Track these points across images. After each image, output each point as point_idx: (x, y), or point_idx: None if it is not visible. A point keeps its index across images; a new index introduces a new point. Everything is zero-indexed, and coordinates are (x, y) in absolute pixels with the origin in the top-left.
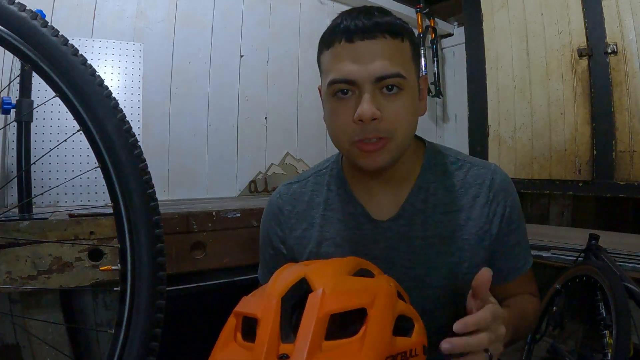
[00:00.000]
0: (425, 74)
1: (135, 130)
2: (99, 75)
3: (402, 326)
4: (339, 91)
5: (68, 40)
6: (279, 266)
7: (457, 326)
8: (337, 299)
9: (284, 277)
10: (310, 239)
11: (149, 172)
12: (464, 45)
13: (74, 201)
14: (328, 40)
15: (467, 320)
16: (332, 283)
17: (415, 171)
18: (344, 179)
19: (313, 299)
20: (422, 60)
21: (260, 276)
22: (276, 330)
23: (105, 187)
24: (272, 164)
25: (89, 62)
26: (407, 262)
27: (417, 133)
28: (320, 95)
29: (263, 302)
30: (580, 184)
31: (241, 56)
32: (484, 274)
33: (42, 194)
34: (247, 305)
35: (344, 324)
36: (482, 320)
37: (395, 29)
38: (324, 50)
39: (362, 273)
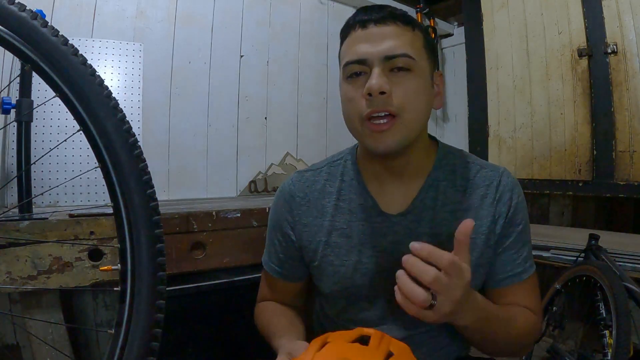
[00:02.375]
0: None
1: (135, 130)
2: (99, 75)
3: None
4: (352, 73)
5: (68, 40)
6: (288, 252)
7: (414, 245)
8: None
9: (326, 356)
10: (321, 227)
11: (149, 172)
12: (464, 45)
13: (74, 201)
14: (345, 32)
15: (425, 245)
16: None
17: (426, 168)
18: (357, 170)
19: None
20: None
21: (266, 261)
22: None
23: (105, 187)
24: (272, 164)
25: (89, 62)
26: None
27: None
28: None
29: None
30: (580, 184)
31: (241, 56)
32: (467, 224)
33: (42, 194)
34: None
35: None
36: (438, 256)
37: (406, 18)
38: (342, 43)
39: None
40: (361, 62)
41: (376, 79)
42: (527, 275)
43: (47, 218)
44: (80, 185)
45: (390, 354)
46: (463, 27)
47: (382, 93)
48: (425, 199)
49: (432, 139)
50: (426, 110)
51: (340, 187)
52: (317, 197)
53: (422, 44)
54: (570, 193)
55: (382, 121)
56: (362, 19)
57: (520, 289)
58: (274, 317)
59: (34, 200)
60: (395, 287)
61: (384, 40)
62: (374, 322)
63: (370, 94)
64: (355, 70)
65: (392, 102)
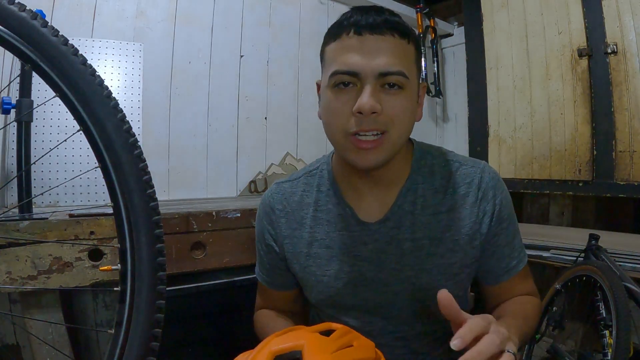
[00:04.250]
0: (424, 80)
1: (135, 130)
2: (99, 75)
3: None
4: (340, 83)
5: (68, 40)
6: (273, 263)
7: (454, 342)
8: None
9: (285, 339)
10: (301, 239)
11: (149, 172)
12: (464, 45)
13: (74, 201)
14: (335, 32)
15: (460, 332)
16: None
17: (404, 173)
18: (333, 180)
19: None
20: (423, 61)
21: (257, 272)
22: None
23: (105, 187)
24: (272, 164)
25: (89, 62)
26: (397, 265)
27: (417, 133)
28: (318, 90)
29: (258, 350)
30: (580, 184)
31: (241, 56)
32: (443, 296)
33: (42, 194)
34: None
35: None
36: (474, 326)
37: (403, 29)
38: (330, 42)
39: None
40: (352, 74)
41: (368, 97)
42: (522, 265)
43: (47, 218)
44: (80, 185)
45: (348, 346)
46: (463, 27)
47: (374, 113)
48: (403, 205)
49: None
50: (411, 126)
51: (317, 198)
52: (295, 209)
53: (414, 57)
54: (570, 193)
55: (368, 138)
56: (358, 23)
57: (518, 278)
58: (271, 322)
59: (34, 200)
60: None
61: (379, 54)
62: (364, 329)
63: (360, 112)
64: (343, 81)
65: (381, 121)
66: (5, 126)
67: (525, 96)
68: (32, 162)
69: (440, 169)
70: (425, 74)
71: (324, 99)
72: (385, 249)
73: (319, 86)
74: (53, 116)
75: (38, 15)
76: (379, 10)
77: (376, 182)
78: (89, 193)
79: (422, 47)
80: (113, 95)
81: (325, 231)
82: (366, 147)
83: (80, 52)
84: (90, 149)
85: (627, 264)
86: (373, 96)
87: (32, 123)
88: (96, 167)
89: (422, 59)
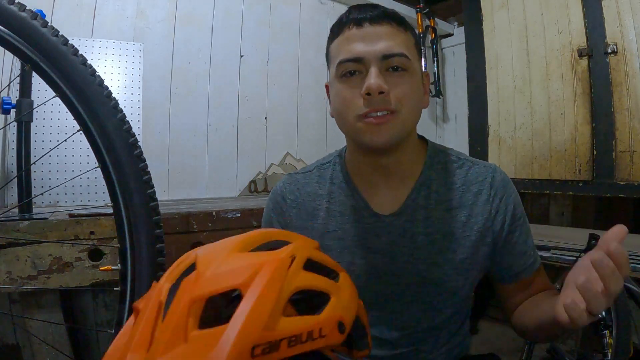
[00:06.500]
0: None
1: (135, 130)
2: (99, 75)
3: (308, 303)
4: (347, 72)
5: (68, 40)
6: None
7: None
8: (211, 281)
9: (176, 264)
10: (312, 230)
11: (149, 172)
12: (464, 45)
13: (74, 201)
14: (337, 30)
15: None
16: (215, 264)
17: (417, 168)
18: (347, 172)
19: (185, 285)
20: (423, 60)
21: None
22: (151, 320)
23: (105, 187)
24: (272, 164)
25: (89, 62)
26: (409, 258)
27: (417, 132)
28: (327, 92)
29: (150, 292)
30: (580, 184)
31: (241, 56)
32: (622, 230)
33: (42, 194)
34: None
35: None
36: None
37: (400, 19)
38: (333, 40)
39: (270, 246)
40: (357, 60)
41: (375, 78)
42: (538, 264)
43: (47, 218)
44: (80, 185)
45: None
46: (463, 27)
47: (381, 92)
48: (417, 199)
49: (421, 138)
50: (419, 109)
51: (330, 190)
52: (308, 200)
53: (414, 44)
54: (570, 193)
55: (378, 113)
56: (357, 17)
57: (537, 276)
58: None
59: (34, 200)
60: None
61: (380, 40)
62: (372, 322)
63: (368, 94)
64: (350, 69)
65: (390, 101)
66: (5, 126)
67: (525, 96)
68: (32, 162)
69: (453, 167)
70: (427, 71)
71: (334, 91)
72: (399, 242)
73: (327, 88)
74: (53, 116)
75: (38, 15)
76: (374, 5)
77: (390, 174)
78: (89, 193)
79: (421, 47)
80: (113, 95)
81: (338, 223)
82: (378, 122)
83: (80, 52)
84: (90, 149)
85: None
86: (379, 77)
87: (32, 123)
88: (96, 167)
89: (422, 54)
